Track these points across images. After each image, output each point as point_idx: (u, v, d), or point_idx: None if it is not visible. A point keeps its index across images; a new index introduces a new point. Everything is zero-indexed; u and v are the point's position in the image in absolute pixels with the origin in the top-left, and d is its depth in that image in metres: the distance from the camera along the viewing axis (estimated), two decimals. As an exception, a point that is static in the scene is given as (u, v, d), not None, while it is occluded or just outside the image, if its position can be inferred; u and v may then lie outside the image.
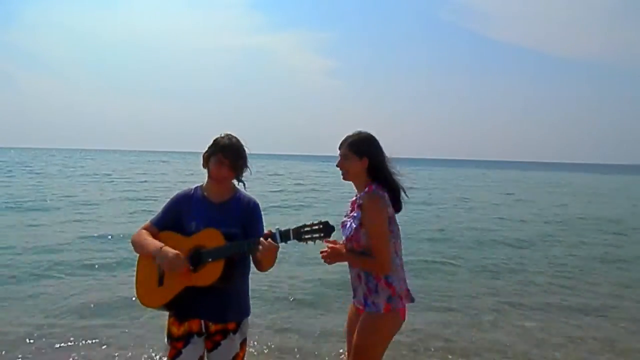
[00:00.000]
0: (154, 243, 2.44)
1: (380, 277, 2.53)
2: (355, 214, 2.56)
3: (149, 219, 2.63)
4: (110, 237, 10.26)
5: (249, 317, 2.61)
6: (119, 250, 8.81)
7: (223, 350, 2.46)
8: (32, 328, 5.07)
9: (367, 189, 2.55)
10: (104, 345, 4.74)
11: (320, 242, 2.39)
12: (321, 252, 2.60)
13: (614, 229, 14.24)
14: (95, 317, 5.51)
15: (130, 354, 4.56)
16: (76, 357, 4.46)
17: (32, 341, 4.75)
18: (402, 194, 2.64)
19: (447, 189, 30.74)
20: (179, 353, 2.45)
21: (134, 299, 2.57)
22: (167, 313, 2.55)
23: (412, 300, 2.62)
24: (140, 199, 18.57)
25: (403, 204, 2.64)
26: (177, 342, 2.47)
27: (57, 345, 4.69)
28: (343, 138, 2.64)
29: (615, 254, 10.38)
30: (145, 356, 4.52)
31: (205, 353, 2.52)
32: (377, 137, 2.65)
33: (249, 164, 2.55)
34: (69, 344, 4.72)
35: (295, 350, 4.76)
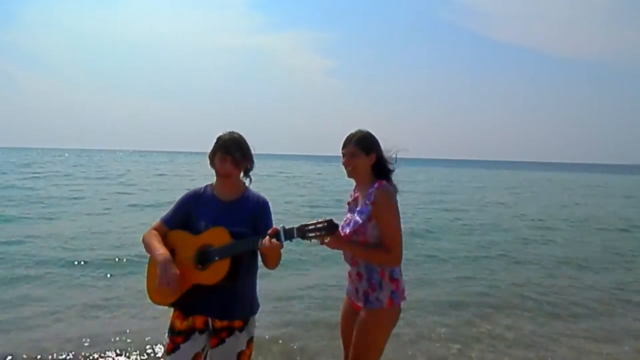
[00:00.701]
0: (155, 247, 2.47)
1: (384, 273, 2.53)
2: (361, 209, 2.56)
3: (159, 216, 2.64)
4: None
5: (256, 315, 2.57)
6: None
7: (227, 347, 2.45)
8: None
9: (377, 184, 2.55)
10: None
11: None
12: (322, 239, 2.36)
13: None
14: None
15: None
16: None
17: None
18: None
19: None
20: (177, 347, 2.45)
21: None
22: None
23: (404, 298, 2.62)
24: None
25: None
26: (177, 337, 2.48)
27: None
28: (346, 137, 2.65)
29: None
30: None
31: (209, 349, 2.50)
32: (377, 137, 2.69)
33: (254, 160, 2.55)
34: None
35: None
